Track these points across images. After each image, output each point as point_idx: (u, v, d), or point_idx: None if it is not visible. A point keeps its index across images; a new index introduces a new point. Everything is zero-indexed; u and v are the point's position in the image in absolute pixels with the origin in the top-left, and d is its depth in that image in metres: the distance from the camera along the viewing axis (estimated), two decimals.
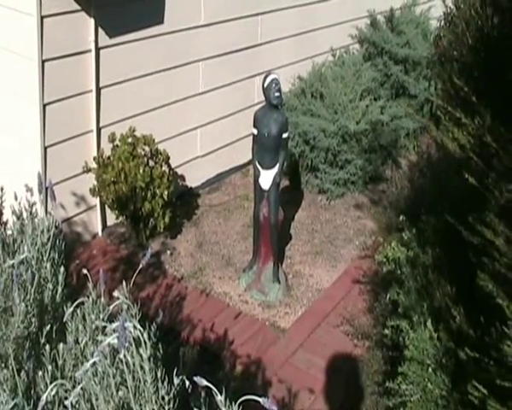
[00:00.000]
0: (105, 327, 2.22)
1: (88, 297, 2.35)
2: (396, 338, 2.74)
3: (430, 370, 2.41)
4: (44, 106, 4.21)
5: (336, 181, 5.60)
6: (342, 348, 4.07)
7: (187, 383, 1.85)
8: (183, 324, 4.16)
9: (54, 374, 2.06)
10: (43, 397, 1.81)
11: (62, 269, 2.26)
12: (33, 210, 2.43)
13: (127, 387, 1.75)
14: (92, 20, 4.31)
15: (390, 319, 2.68)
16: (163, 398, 1.78)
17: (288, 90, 6.00)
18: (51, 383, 1.96)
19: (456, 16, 2.38)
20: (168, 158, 4.76)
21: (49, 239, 2.32)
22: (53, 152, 4.37)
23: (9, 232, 2.44)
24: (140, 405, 1.76)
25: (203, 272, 4.74)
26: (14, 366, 2.09)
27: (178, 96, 5.21)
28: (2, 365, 2.08)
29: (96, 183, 4.59)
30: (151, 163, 4.65)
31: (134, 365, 1.73)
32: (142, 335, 1.76)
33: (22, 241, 2.25)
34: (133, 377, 1.72)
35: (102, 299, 2.31)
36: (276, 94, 4.17)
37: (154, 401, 1.74)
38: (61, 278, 2.25)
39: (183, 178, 5.52)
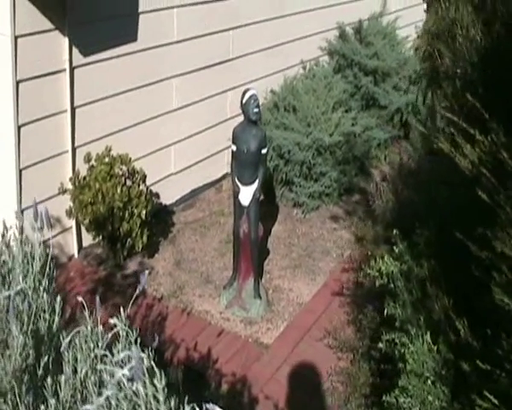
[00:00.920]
0: (104, 356, 2.18)
1: (85, 326, 2.29)
2: (390, 351, 2.75)
3: (429, 382, 2.43)
4: (19, 127, 4.13)
5: (311, 194, 5.62)
6: (326, 361, 4.07)
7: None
8: (166, 344, 4.10)
9: (57, 407, 2.01)
10: None
11: (59, 298, 2.20)
12: (23, 237, 2.37)
13: None
14: (66, 39, 4.26)
15: (384, 332, 2.69)
16: None
17: (260, 104, 6.00)
18: None
19: (446, 32, 2.41)
20: (145, 177, 4.71)
21: (42, 267, 2.26)
22: (28, 174, 4.28)
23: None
24: None
25: (183, 290, 4.70)
26: (12, 401, 2.02)
27: (152, 114, 5.17)
28: (2, 400, 2.01)
29: (72, 204, 4.51)
30: (128, 183, 4.59)
31: (147, 396, 1.69)
32: (156, 364, 1.73)
33: (11, 270, 2.19)
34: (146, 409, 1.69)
35: (100, 327, 2.26)
36: (255, 110, 4.18)
37: None
38: (57, 307, 2.19)
39: (157, 195, 5.46)
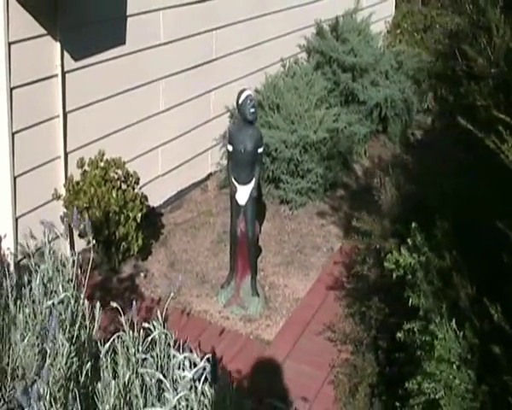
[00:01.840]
0: (144, 359, 2.21)
1: (124, 331, 2.31)
2: (409, 340, 2.83)
3: (454, 367, 2.52)
4: (13, 134, 4.08)
5: (299, 190, 5.69)
6: (328, 354, 4.14)
7: None
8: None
9: None
10: None
11: (98, 304, 2.22)
12: (54, 246, 2.37)
13: None
14: (58, 44, 4.23)
15: (406, 321, 2.77)
16: None
17: None
18: None
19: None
20: (138, 180, 4.71)
21: (77, 275, 2.27)
22: (22, 181, 4.24)
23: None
24: None
25: (180, 291, 4.71)
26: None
27: (141, 116, 5.17)
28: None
29: (66, 210, 4.48)
30: (123, 186, 4.58)
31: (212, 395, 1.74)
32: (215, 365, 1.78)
33: (51, 279, 2.19)
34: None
35: (141, 331, 2.29)
36: (252, 110, 4.22)
37: None
38: (97, 314, 2.20)
39: (145, 198, 5.45)
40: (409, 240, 2.89)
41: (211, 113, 5.98)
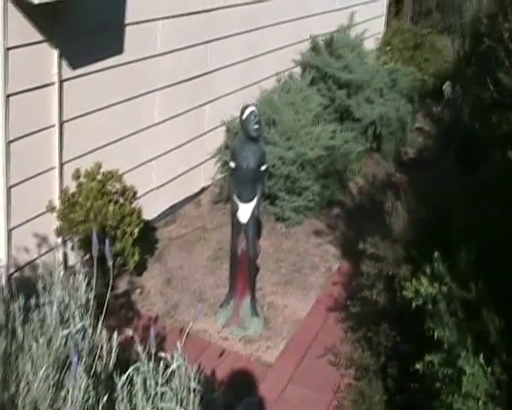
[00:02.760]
0: (163, 393, 2.07)
1: (141, 362, 2.17)
2: (428, 371, 2.73)
3: (481, 403, 2.42)
4: (8, 144, 3.91)
5: (296, 208, 5.58)
6: (330, 378, 4.03)
7: None
8: None
9: None
10: None
11: (116, 334, 2.07)
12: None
13: None
14: (56, 52, 4.07)
15: (424, 352, 2.67)
16: None
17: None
18: None
19: None
20: (135, 194, 4.56)
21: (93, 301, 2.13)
22: (16, 192, 4.06)
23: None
24: None
25: (177, 309, 4.57)
26: None
27: (136, 128, 5.02)
28: None
29: (60, 222, 4.31)
30: (121, 200, 4.43)
31: None
32: None
33: (67, 307, 2.04)
34: None
35: (161, 363, 2.14)
36: (255, 126, 4.09)
37: None
38: (115, 344, 2.06)
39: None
40: (427, 269, 2.79)
41: (205, 126, 5.86)
